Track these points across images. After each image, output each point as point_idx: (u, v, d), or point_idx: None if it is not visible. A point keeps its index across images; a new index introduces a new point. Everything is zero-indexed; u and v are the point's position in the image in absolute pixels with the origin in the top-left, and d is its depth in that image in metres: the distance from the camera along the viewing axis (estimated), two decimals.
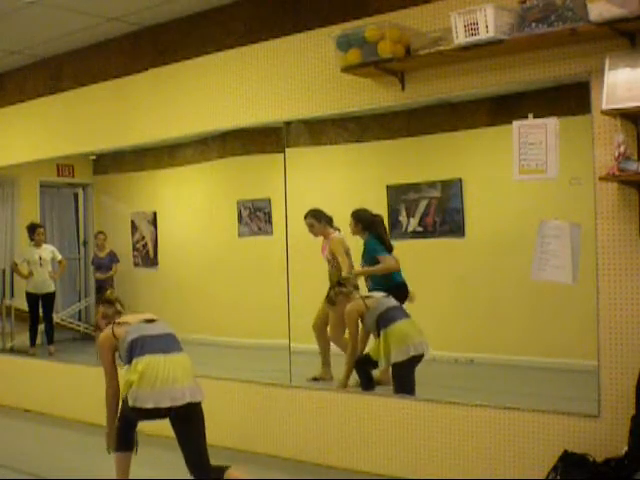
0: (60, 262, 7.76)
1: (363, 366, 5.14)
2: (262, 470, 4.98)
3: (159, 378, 3.83)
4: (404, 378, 4.95)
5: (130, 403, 3.84)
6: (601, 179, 3.87)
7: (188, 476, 4.52)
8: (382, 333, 4.97)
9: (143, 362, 3.86)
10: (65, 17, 5.68)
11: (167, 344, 4.00)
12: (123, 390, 3.95)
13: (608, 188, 3.92)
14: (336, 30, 4.68)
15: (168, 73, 5.92)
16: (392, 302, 5.14)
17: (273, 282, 5.62)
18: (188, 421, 3.95)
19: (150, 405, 3.81)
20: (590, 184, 3.99)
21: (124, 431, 4.09)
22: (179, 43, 5.85)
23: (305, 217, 5.56)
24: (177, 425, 3.95)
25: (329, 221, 5.64)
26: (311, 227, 5.60)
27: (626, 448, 3.70)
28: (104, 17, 5.74)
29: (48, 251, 7.68)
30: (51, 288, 7.69)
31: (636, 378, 3.74)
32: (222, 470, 3.89)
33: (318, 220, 5.60)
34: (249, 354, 6.45)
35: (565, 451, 3.90)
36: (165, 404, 3.82)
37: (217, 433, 5.51)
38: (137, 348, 3.91)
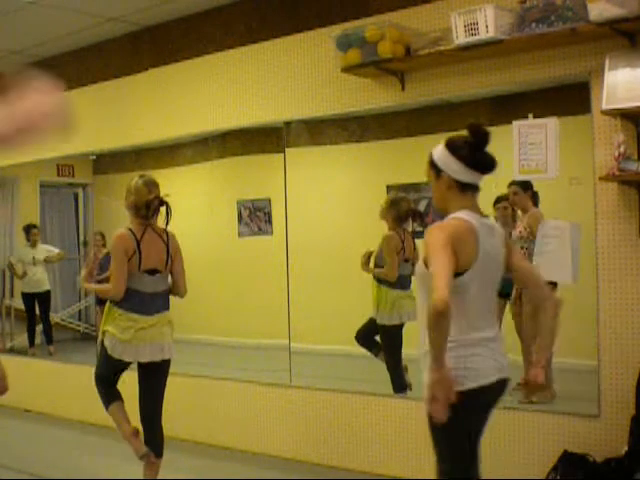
0: (58, 254, 7.75)
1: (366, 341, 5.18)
2: (262, 470, 4.98)
3: (147, 338, 4.01)
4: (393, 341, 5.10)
5: (116, 356, 4.01)
6: (601, 179, 3.87)
7: (189, 476, 4.53)
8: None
9: (131, 320, 3.99)
10: (65, 17, 5.68)
11: (158, 304, 4.10)
12: (102, 332, 4.12)
13: (608, 188, 3.92)
14: (336, 30, 4.68)
15: (168, 73, 5.92)
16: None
17: (273, 282, 5.62)
18: (156, 374, 4.13)
19: (130, 359, 4.02)
20: (590, 184, 3.99)
21: (106, 387, 4.21)
22: (179, 43, 5.85)
23: (509, 185, 4.83)
24: (145, 376, 4.13)
25: (533, 195, 4.80)
26: (514, 194, 4.85)
27: (626, 448, 3.70)
28: (104, 17, 5.74)
29: (43, 251, 7.69)
30: (46, 286, 7.68)
31: (636, 378, 3.74)
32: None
33: (524, 189, 4.79)
34: (249, 354, 6.45)
35: (565, 451, 3.90)
36: (144, 359, 4.02)
37: (217, 433, 5.52)
38: (129, 300, 4.00)
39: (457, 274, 2.56)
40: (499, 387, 2.77)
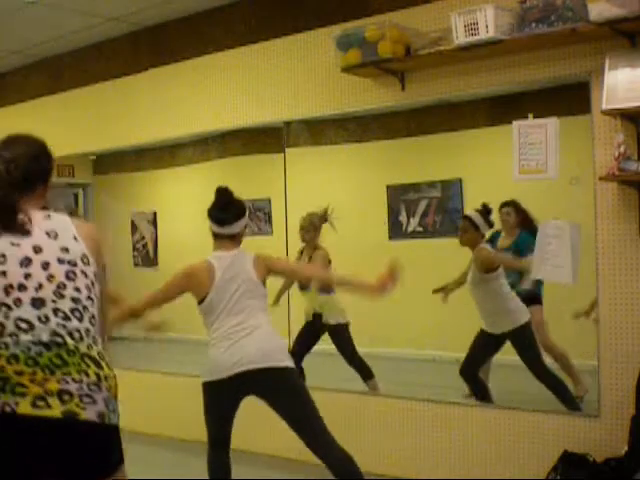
0: None
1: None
2: (262, 470, 4.98)
3: None
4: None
5: None
6: (601, 179, 3.87)
7: (189, 476, 4.53)
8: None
9: None
10: (65, 17, 5.68)
11: None
12: None
13: (608, 188, 3.92)
14: (336, 30, 4.67)
15: (168, 73, 5.92)
16: None
17: (273, 282, 5.62)
18: None
19: None
20: (590, 184, 3.99)
21: None
22: (179, 43, 5.85)
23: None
24: None
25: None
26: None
27: (626, 448, 3.70)
28: (104, 17, 5.74)
29: None
30: None
31: (636, 378, 3.74)
32: None
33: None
34: None
35: (565, 451, 3.90)
36: None
37: None
38: None
39: (200, 301, 3.51)
40: (246, 378, 3.48)
